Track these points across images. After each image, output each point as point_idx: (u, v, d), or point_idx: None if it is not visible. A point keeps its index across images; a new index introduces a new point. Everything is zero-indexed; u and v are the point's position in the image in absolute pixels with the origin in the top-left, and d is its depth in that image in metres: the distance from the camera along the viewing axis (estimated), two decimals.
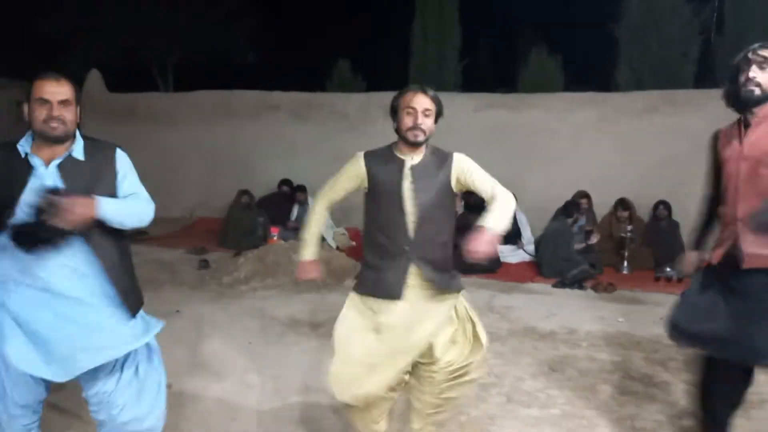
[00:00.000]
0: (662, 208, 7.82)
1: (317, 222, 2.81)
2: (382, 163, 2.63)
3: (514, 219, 8.21)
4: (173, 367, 4.13)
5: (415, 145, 2.58)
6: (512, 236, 8.15)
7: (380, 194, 2.62)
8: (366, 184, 2.65)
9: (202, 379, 3.99)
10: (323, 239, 8.13)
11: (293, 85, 10.49)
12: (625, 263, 7.46)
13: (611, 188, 8.16)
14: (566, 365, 4.35)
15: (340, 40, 14.20)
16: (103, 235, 2.32)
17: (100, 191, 2.29)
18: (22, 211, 2.20)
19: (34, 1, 15.07)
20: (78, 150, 2.34)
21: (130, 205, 2.37)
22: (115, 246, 2.39)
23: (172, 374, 4.00)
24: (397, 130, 2.62)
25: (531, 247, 8.07)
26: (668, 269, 7.14)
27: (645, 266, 7.48)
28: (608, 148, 8.40)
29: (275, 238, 8.09)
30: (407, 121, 2.55)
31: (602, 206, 8.16)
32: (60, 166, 2.29)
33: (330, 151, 9.61)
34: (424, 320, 2.61)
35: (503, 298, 6.17)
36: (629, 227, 7.50)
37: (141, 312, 2.49)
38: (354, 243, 8.76)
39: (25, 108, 2.29)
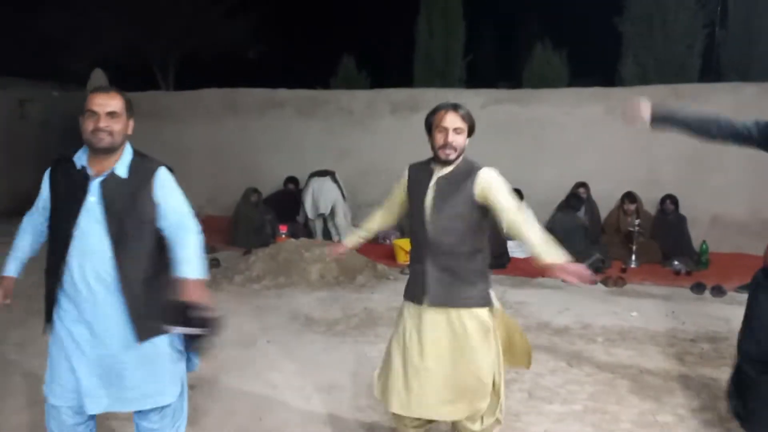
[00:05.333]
0: (669, 202, 7.86)
1: (371, 220, 3.06)
2: (418, 174, 2.77)
3: None
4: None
5: (446, 162, 2.67)
6: None
7: (411, 203, 2.78)
8: (406, 194, 2.82)
9: (226, 380, 4.02)
10: (338, 239, 8.14)
11: (297, 83, 10.47)
12: (633, 257, 7.49)
13: (618, 182, 8.19)
14: (584, 360, 4.39)
15: (344, 37, 14.16)
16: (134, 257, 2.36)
17: (136, 213, 2.34)
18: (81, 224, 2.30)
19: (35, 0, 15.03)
20: (122, 167, 2.36)
21: (193, 248, 2.42)
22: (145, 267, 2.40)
23: (195, 375, 4.03)
24: (432, 147, 2.70)
25: None
26: (676, 263, 7.20)
27: (653, 260, 7.52)
28: (615, 142, 8.39)
29: (284, 236, 8.13)
30: (439, 140, 2.64)
31: (609, 200, 8.20)
32: (102, 183, 2.32)
33: (336, 148, 9.65)
34: (447, 329, 2.66)
35: (515, 294, 6.20)
36: (637, 221, 7.53)
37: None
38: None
39: (81, 122, 2.34)
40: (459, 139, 2.62)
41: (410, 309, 2.74)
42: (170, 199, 2.43)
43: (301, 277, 6.44)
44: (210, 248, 8.05)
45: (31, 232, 2.51)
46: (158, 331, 2.39)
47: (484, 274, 2.72)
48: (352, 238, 3.12)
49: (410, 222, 2.80)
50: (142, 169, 2.40)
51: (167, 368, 2.46)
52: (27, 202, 2.56)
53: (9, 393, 3.77)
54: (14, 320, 5.03)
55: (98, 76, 11.06)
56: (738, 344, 3.02)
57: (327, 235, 8.29)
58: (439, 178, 2.67)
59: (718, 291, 6.23)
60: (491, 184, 2.63)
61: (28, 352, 4.35)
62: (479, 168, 2.67)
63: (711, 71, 10.17)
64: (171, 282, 2.40)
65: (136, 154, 2.43)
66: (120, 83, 11.22)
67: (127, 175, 2.36)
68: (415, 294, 2.71)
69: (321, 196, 8.36)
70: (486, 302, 2.68)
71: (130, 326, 2.34)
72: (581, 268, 2.44)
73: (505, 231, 2.65)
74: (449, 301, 2.64)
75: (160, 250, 2.42)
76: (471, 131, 2.70)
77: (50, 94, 12.28)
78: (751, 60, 9.62)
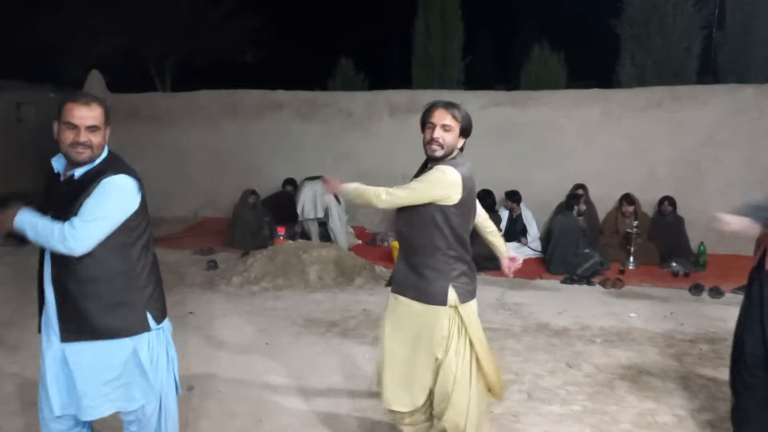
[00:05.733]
0: (667, 203, 7.87)
1: (374, 194, 2.71)
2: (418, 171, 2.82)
3: (520, 216, 8.29)
4: (193, 369, 4.16)
5: (433, 159, 2.67)
6: (518, 233, 8.21)
7: None
8: None
9: (224, 381, 4.01)
10: (333, 241, 8.12)
11: (295, 85, 10.46)
12: (632, 258, 7.50)
13: (616, 184, 8.19)
14: (582, 361, 4.39)
15: (342, 39, 14.19)
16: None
17: (74, 211, 2.25)
18: None
19: (32, 2, 14.99)
20: (81, 171, 2.31)
21: (42, 230, 2.23)
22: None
23: (193, 377, 4.04)
24: (423, 144, 2.72)
25: (536, 244, 8.11)
26: (674, 264, 7.20)
27: (651, 261, 7.53)
28: (613, 144, 8.43)
29: (282, 237, 8.12)
30: (426, 135, 2.66)
31: (608, 202, 8.20)
32: (63, 185, 2.35)
33: (335, 150, 9.65)
34: (404, 317, 2.76)
35: (514, 295, 6.20)
36: (635, 222, 7.54)
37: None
38: (360, 241, 8.79)
39: (55, 126, 2.30)
40: (447, 137, 2.60)
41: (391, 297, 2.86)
42: (91, 201, 2.26)
43: (299, 279, 6.43)
44: (208, 250, 8.05)
45: None
46: (82, 336, 2.32)
47: (444, 273, 2.66)
48: (351, 185, 2.87)
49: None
50: (97, 174, 2.31)
51: (130, 375, 2.40)
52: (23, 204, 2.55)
53: (2, 397, 3.75)
54: (8, 323, 5.02)
55: (95, 78, 11.03)
56: (736, 343, 3.03)
57: (325, 238, 8.28)
58: (417, 173, 2.75)
59: (716, 292, 6.23)
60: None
61: (23, 355, 4.33)
62: (443, 165, 2.64)
63: (708, 73, 10.20)
64: (110, 288, 2.33)
65: (108, 160, 2.36)
66: (117, 86, 11.27)
67: (82, 177, 2.31)
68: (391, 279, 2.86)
69: (315, 200, 8.38)
70: (440, 301, 2.65)
71: (57, 325, 2.31)
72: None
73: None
74: (403, 289, 2.75)
75: (105, 257, 2.30)
76: (465, 132, 2.66)
77: (47, 96, 12.26)
78: (748, 62, 9.66)
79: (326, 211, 8.34)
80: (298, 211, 8.49)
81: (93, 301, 2.30)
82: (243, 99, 10.28)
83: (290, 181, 9.35)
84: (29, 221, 2.25)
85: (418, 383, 2.72)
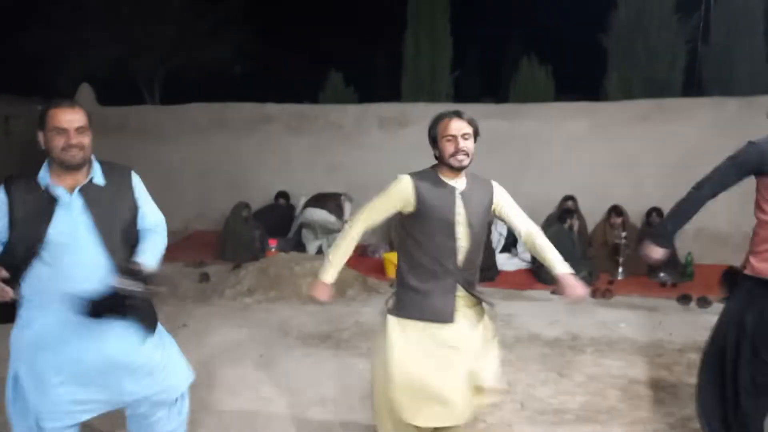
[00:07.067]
0: (655, 215, 7.97)
1: (349, 246, 2.77)
2: (431, 187, 2.63)
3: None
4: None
5: (459, 170, 2.61)
6: (509, 244, 8.27)
7: (429, 219, 2.61)
8: (412, 208, 2.62)
9: (218, 394, 4.01)
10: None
11: (285, 98, 10.49)
12: (620, 269, 7.58)
13: (604, 196, 8.29)
14: (574, 371, 4.43)
15: (331, 52, 14.26)
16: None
17: (120, 214, 2.43)
18: (47, 250, 2.30)
19: (19, 16, 14.96)
20: (98, 175, 2.41)
21: (157, 247, 2.58)
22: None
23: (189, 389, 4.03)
24: (440, 158, 2.64)
25: (527, 255, 8.17)
26: (662, 275, 7.29)
27: (639, 272, 7.60)
28: (601, 156, 8.53)
29: (273, 250, 8.13)
30: (449, 149, 2.57)
31: (595, 213, 8.28)
32: (82, 192, 2.35)
33: (325, 163, 9.68)
34: (470, 338, 2.69)
35: (505, 306, 6.22)
36: (624, 234, 7.63)
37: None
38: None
39: (41, 137, 2.34)
40: (469, 144, 2.59)
41: (417, 328, 2.64)
42: (148, 203, 2.61)
43: (291, 291, 6.43)
44: (199, 262, 8.04)
45: None
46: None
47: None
48: (335, 273, 2.80)
49: (426, 239, 2.61)
50: (117, 174, 2.48)
51: None
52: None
53: None
54: None
55: (85, 91, 11.02)
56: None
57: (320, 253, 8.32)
58: (464, 192, 2.64)
59: (704, 302, 6.31)
60: (504, 200, 2.75)
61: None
62: (490, 181, 2.75)
63: (693, 86, 10.37)
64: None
65: (102, 162, 2.46)
66: (106, 98, 11.26)
67: (105, 182, 2.41)
68: (438, 313, 2.62)
69: (314, 227, 8.48)
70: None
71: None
72: (582, 286, 2.67)
73: (522, 242, 2.78)
74: (474, 306, 2.75)
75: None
76: (477, 135, 2.67)
77: (36, 110, 12.19)
78: (732, 75, 9.83)
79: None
80: (294, 228, 8.60)
81: None
82: (233, 112, 10.29)
83: (283, 194, 9.40)
84: (153, 257, 2.50)
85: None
